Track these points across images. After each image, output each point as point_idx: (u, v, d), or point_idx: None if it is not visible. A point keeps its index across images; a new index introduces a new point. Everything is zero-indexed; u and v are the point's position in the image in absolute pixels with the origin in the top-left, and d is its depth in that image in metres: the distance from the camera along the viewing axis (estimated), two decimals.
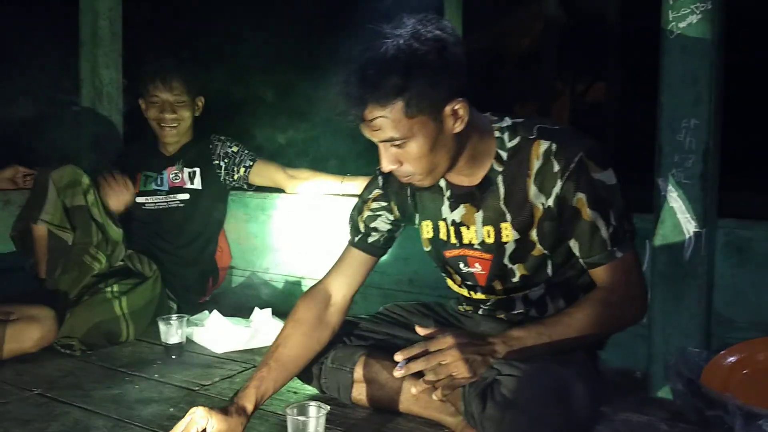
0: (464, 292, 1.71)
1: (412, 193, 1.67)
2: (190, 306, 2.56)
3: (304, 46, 5.05)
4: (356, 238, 1.71)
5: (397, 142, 1.37)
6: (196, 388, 1.86)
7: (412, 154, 1.39)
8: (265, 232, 2.78)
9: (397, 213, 1.71)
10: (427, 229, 1.67)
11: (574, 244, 1.48)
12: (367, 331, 1.77)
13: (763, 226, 1.78)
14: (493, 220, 1.54)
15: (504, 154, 1.50)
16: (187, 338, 2.19)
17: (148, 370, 2.00)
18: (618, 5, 7.95)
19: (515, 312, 1.64)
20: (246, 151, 2.69)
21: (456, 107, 1.37)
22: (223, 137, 2.71)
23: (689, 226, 1.73)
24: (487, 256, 1.58)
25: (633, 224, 1.48)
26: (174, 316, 2.13)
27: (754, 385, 1.57)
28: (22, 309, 2.09)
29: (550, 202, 1.47)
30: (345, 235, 1.75)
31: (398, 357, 1.36)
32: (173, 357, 2.10)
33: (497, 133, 1.51)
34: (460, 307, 1.78)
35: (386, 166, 1.42)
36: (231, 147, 2.69)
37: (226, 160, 2.67)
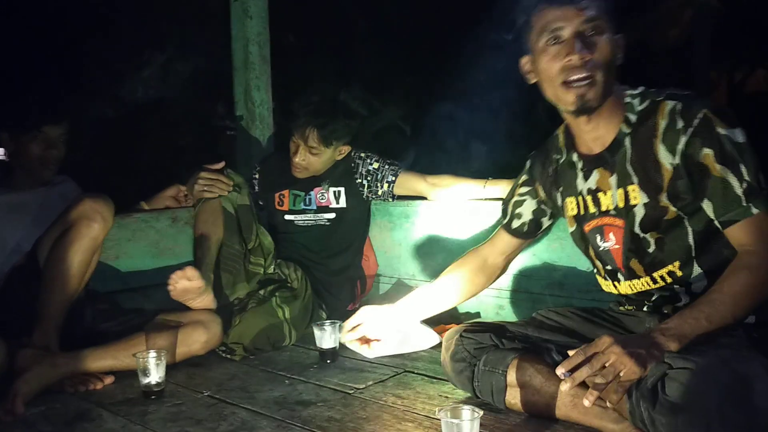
0: (610, 287, 1.70)
1: (554, 172, 1.78)
2: (339, 313, 2.62)
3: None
4: (504, 221, 1.96)
5: (594, 31, 1.52)
6: (351, 391, 1.90)
7: (601, 47, 1.52)
8: (410, 239, 2.81)
9: (541, 194, 1.86)
10: (571, 206, 1.74)
11: (707, 205, 1.47)
12: (520, 335, 1.74)
13: None
14: (623, 183, 1.60)
15: (633, 117, 1.58)
16: (340, 343, 2.25)
17: (306, 374, 2.08)
18: None
19: (681, 304, 1.56)
20: (387, 166, 2.71)
21: (618, 39, 1.55)
22: (363, 154, 2.73)
23: None
24: (620, 222, 1.62)
25: None
26: (327, 322, 2.20)
27: None
28: (190, 315, 2.24)
29: (677, 160, 1.49)
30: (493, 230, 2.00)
31: (560, 371, 1.34)
32: (328, 361, 2.17)
33: (627, 99, 1.60)
34: (621, 308, 1.72)
35: (578, 50, 1.51)
36: (372, 164, 2.72)
37: (368, 178, 2.71)
